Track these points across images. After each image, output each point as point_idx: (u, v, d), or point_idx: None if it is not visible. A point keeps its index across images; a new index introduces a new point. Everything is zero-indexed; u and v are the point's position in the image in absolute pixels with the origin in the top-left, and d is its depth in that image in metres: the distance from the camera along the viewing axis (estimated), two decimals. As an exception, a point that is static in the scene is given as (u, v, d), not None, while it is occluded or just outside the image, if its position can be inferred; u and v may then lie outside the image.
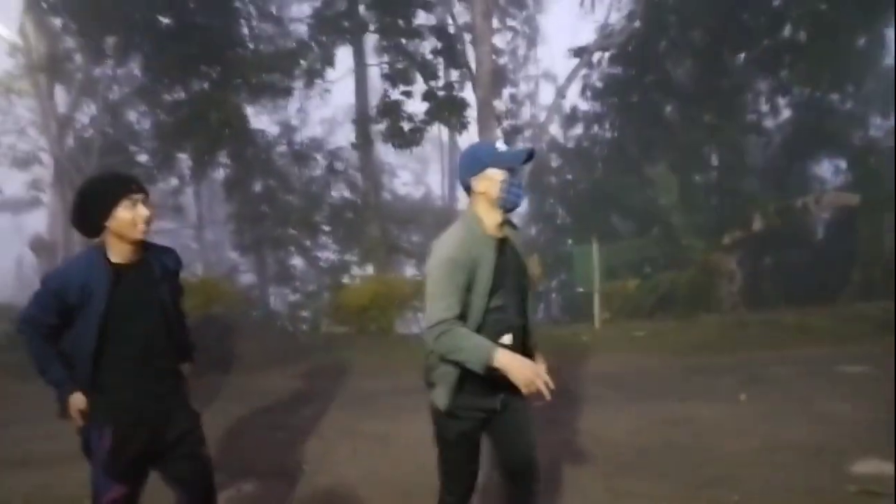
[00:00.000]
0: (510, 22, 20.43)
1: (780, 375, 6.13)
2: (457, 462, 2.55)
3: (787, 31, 12.71)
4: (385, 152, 21.04)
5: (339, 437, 5.07)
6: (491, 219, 2.39)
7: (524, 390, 2.24)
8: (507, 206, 2.38)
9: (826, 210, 12.35)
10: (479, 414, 2.45)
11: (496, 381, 2.32)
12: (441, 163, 24.77)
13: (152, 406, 2.44)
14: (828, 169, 15.55)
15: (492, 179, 2.35)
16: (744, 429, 4.71)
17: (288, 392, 6.54)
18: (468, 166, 2.41)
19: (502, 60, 20.22)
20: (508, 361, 2.23)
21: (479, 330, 2.32)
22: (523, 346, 2.44)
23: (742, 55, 13.85)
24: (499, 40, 20.18)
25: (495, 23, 19.24)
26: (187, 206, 19.11)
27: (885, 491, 3.50)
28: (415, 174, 26.40)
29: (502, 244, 2.43)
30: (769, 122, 15.21)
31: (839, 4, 11.46)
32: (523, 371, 2.23)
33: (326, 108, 22.47)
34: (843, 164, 14.51)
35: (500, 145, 2.41)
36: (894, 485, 3.50)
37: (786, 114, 15.00)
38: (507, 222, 2.46)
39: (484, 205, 2.39)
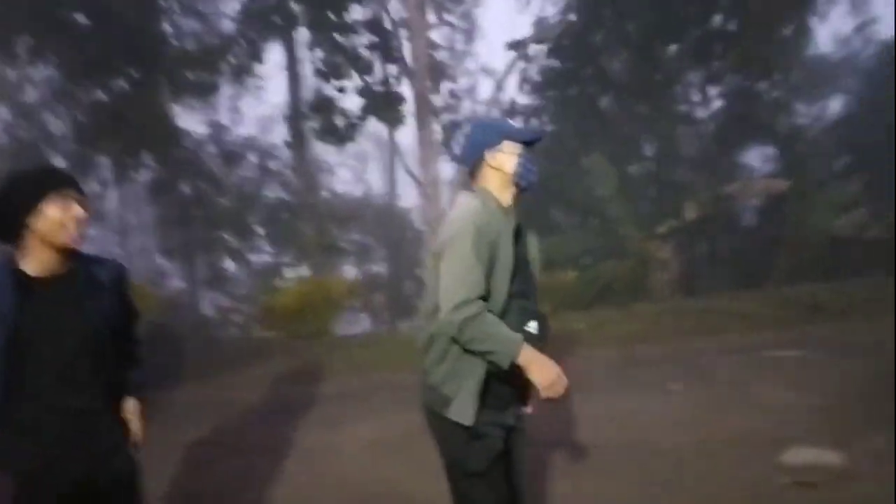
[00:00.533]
0: (447, 16, 20.18)
1: (714, 363, 6.13)
2: (488, 497, 2.07)
3: (717, 20, 12.92)
4: (324, 150, 20.55)
5: (264, 453, 4.75)
6: (503, 198, 2.16)
7: (543, 394, 1.96)
8: (523, 184, 2.15)
9: (755, 197, 12.64)
10: (502, 431, 2.10)
11: (512, 388, 2.05)
12: (381, 160, 24.37)
13: (70, 452, 1.93)
14: (757, 157, 16.00)
15: (508, 153, 2.15)
16: (681, 420, 4.62)
17: (210, 405, 6.14)
18: (482, 138, 2.17)
19: (440, 55, 19.95)
20: (531, 358, 1.95)
21: (502, 318, 2.02)
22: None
23: (674, 46, 14.03)
24: (436, 35, 19.93)
25: (432, 17, 18.98)
26: (110, 212, 18.15)
27: (817, 481, 3.44)
28: (355, 172, 25.89)
29: (517, 224, 2.18)
30: (701, 112, 15.52)
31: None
32: (546, 371, 1.95)
33: (262, 106, 21.71)
34: (770, 152, 14.93)
35: (513, 122, 2.30)
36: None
37: (717, 104, 15.35)
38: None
39: (496, 182, 2.16)
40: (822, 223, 11.37)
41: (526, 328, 2.04)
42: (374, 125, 19.36)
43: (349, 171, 25.84)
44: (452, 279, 1.99)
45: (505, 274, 2.05)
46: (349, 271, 21.76)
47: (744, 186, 12.04)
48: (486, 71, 19.74)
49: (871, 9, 18.17)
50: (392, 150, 22.45)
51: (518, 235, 2.16)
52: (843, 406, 4.52)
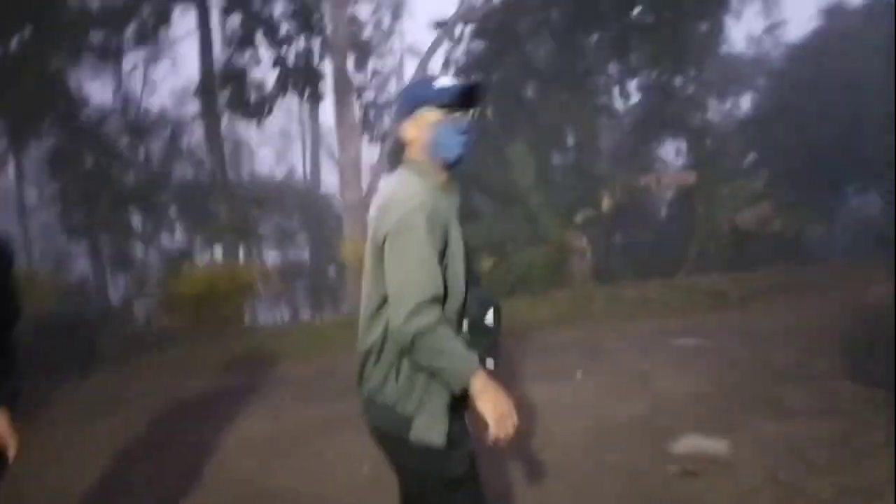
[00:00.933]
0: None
1: (617, 350, 6.22)
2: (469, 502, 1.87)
3: (635, 13, 13.13)
4: (245, 129, 19.78)
5: (147, 450, 4.44)
6: (437, 174, 1.83)
7: (493, 431, 1.66)
8: (441, 158, 1.80)
9: (667, 189, 13.03)
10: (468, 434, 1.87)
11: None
12: (302, 139, 23.71)
13: None
14: (672, 150, 16.53)
15: (424, 122, 1.80)
16: (577, 407, 4.63)
17: (100, 400, 5.73)
18: (400, 106, 1.87)
19: (366, 33, 19.54)
20: (485, 387, 1.66)
21: (463, 311, 1.78)
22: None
23: (595, 37, 14.18)
24: (362, 12, 19.47)
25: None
26: (6, 188, 16.80)
27: (702, 469, 3.48)
28: (277, 152, 25.10)
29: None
30: (620, 105, 15.85)
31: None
32: (498, 404, 1.67)
33: (178, 77, 20.49)
34: (684, 146, 15.45)
35: (443, 80, 1.84)
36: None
37: (635, 97, 15.70)
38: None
39: (420, 156, 1.83)
40: (727, 215, 11.87)
41: (481, 318, 1.80)
42: (300, 103, 18.80)
43: (272, 152, 25.10)
44: (404, 278, 1.68)
45: (460, 261, 1.78)
46: (271, 256, 21.18)
47: (656, 178, 12.39)
48: (413, 51, 19.46)
49: (782, 11, 19.10)
50: (315, 130, 21.87)
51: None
52: (733, 394, 4.65)
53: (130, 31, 11.82)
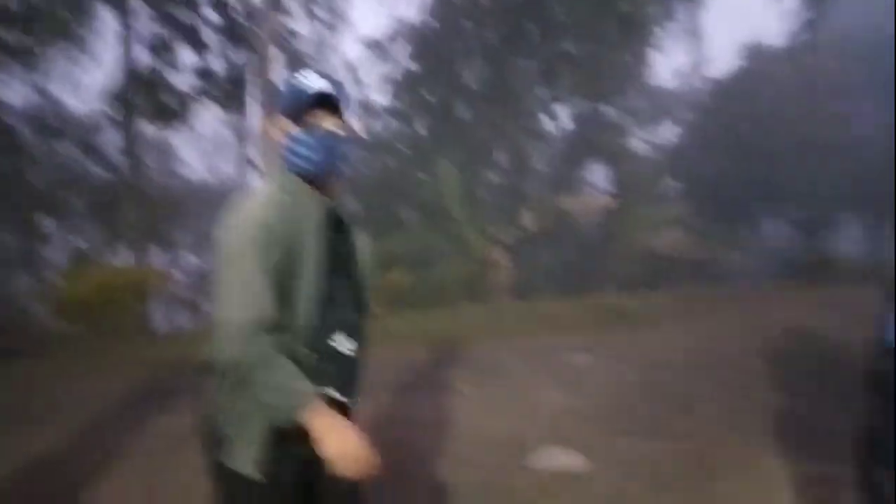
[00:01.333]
0: (312, 6, 19.72)
1: (512, 365, 6.22)
2: None
3: (563, 43, 13.46)
4: (174, 134, 19.18)
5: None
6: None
7: (339, 471, 1.49)
8: (291, 168, 1.63)
9: (588, 210, 13.34)
10: (298, 466, 1.60)
11: None
12: (235, 146, 23.14)
13: None
14: (600, 175, 16.96)
15: (282, 127, 1.64)
16: (451, 423, 4.56)
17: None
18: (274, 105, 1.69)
19: (304, 46, 19.42)
20: (317, 424, 1.47)
21: (312, 336, 1.58)
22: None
23: (524, 62, 14.46)
24: (301, 26, 19.39)
25: (294, 5, 18.46)
26: None
27: (558, 483, 3.48)
28: (208, 158, 24.46)
29: (334, 213, 1.68)
30: (552, 128, 16.20)
31: (603, 20, 12.29)
32: (338, 442, 1.48)
33: (104, 79, 19.78)
34: (610, 171, 15.86)
35: (308, 80, 1.62)
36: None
37: (565, 121, 16.06)
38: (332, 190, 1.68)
39: (281, 162, 1.68)
40: (643, 239, 12.24)
41: (331, 343, 1.60)
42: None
43: (202, 157, 24.45)
44: (224, 300, 1.52)
45: (312, 273, 1.59)
46: (195, 262, 20.50)
47: (578, 201, 12.68)
48: (349, 67, 19.41)
49: (707, 48, 20.07)
50: (241, 137, 21.44)
51: (338, 225, 1.70)
52: (606, 412, 4.69)
53: (44, 31, 11.28)
